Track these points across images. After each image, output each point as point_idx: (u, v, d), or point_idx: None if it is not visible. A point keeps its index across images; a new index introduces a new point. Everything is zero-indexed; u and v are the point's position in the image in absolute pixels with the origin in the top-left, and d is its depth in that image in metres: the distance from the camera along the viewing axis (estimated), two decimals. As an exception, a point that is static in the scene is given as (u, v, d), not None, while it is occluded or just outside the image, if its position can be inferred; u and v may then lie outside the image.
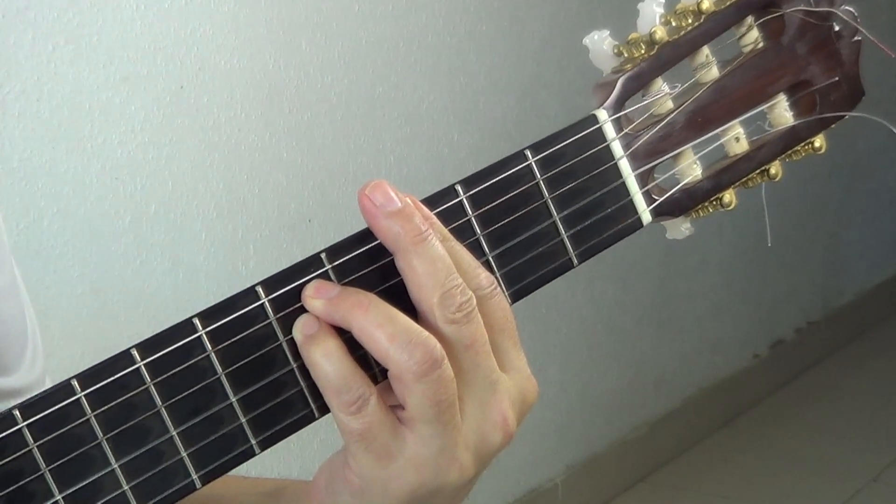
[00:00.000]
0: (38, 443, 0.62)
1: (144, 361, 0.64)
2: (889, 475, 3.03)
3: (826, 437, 3.24)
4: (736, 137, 0.76)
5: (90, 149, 1.87)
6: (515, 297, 0.71)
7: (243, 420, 0.66)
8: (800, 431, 3.28)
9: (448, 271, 0.65)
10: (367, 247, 0.68)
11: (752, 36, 0.76)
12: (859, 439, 3.21)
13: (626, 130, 0.73)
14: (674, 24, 0.74)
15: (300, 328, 0.66)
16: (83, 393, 0.63)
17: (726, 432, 3.30)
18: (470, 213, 0.70)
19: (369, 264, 0.68)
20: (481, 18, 2.54)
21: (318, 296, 0.66)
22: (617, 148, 0.73)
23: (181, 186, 2.00)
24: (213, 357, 0.65)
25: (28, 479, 0.62)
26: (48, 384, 0.88)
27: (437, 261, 0.65)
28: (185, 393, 0.65)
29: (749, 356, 3.52)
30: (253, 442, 0.67)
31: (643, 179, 0.74)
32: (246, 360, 0.66)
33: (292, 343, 0.67)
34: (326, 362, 0.65)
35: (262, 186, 2.14)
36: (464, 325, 0.65)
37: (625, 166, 0.73)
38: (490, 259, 0.71)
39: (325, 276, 0.67)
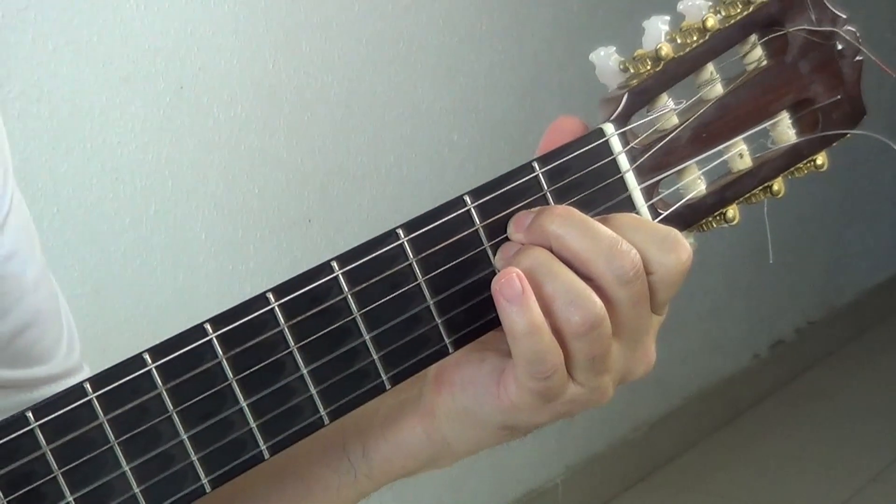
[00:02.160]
0: (50, 445, 0.63)
1: (155, 365, 0.65)
2: (889, 475, 3.03)
3: (826, 437, 3.24)
4: (740, 154, 0.77)
5: (90, 149, 1.87)
6: None
7: (253, 425, 0.67)
8: (800, 431, 3.28)
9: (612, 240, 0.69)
10: (377, 253, 0.69)
11: (755, 54, 0.76)
12: (859, 439, 3.21)
13: (632, 144, 0.74)
14: (679, 41, 0.74)
15: (504, 287, 0.68)
16: (94, 395, 0.63)
17: (726, 432, 3.30)
18: (478, 223, 0.71)
19: (381, 271, 0.69)
20: (481, 18, 2.54)
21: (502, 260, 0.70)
22: (623, 161, 0.74)
23: (181, 186, 2.00)
24: (224, 362, 0.66)
25: (40, 482, 0.63)
26: (87, 371, 0.89)
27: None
28: (197, 398, 0.66)
29: (749, 356, 3.52)
30: (263, 447, 0.67)
31: (648, 193, 0.75)
32: (256, 366, 0.67)
33: (302, 349, 0.67)
34: (527, 338, 0.67)
35: (262, 186, 2.14)
36: (633, 285, 0.69)
37: (631, 180, 0.74)
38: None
39: (334, 282, 0.68)
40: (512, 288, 0.67)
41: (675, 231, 0.71)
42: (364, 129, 2.32)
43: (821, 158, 0.79)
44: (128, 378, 0.64)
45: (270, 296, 0.67)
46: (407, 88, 2.40)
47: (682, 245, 0.71)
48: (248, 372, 0.66)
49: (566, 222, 0.69)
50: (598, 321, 0.67)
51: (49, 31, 1.80)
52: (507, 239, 0.71)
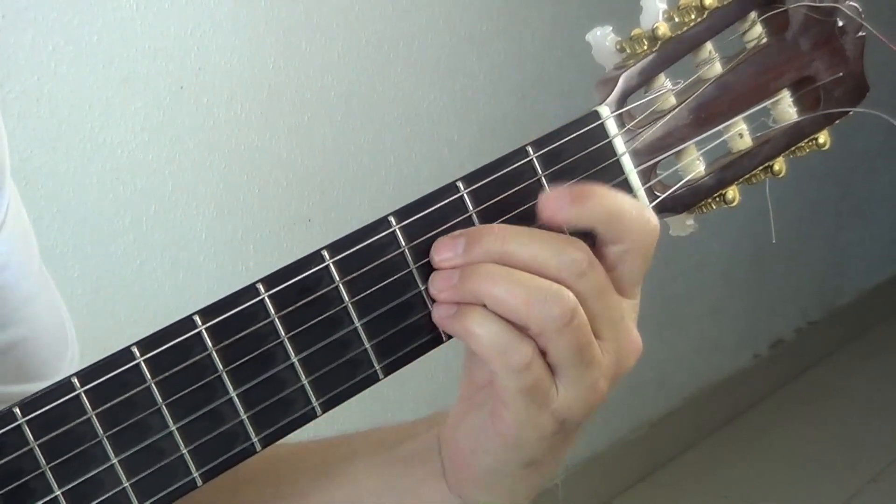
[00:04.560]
0: (38, 440, 0.62)
1: (144, 358, 0.64)
2: (889, 475, 3.03)
3: (826, 437, 3.24)
4: (739, 134, 0.75)
5: (90, 149, 1.87)
6: None
7: (244, 417, 0.66)
8: (800, 431, 3.28)
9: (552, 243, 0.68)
10: (369, 241, 0.68)
11: (755, 32, 0.75)
12: (859, 439, 3.21)
13: (628, 126, 0.73)
14: (676, 19, 0.73)
15: (441, 310, 0.68)
16: (82, 389, 0.63)
17: (726, 432, 3.30)
18: (471, 209, 0.70)
19: (373, 259, 0.68)
20: (481, 18, 2.54)
21: (443, 284, 0.68)
22: (619, 144, 0.73)
23: (181, 186, 2.00)
24: (214, 354, 0.65)
25: (28, 477, 0.62)
26: None
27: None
28: (186, 390, 0.65)
29: (749, 356, 3.52)
30: (254, 439, 0.67)
31: (646, 175, 0.73)
32: (246, 357, 0.66)
33: (292, 339, 0.67)
34: (483, 330, 0.67)
35: (262, 186, 2.14)
36: (589, 275, 0.68)
37: (627, 162, 0.73)
38: None
39: (325, 271, 0.67)
40: (447, 309, 0.67)
41: (637, 203, 0.70)
42: (364, 129, 2.32)
43: (823, 137, 0.77)
44: (116, 372, 0.63)
45: (260, 286, 0.66)
46: (407, 88, 2.40)
47: (648, 216, 0.70)
48: (238, 363, 0.65)
49: (505, 237, 0.68)
50: (575, 306, 0.66)
51: (49, 31, 1.80)
52: (506, 223, 0.70)
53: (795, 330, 3.70)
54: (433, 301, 0.69)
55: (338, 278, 0.67)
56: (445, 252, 0.68)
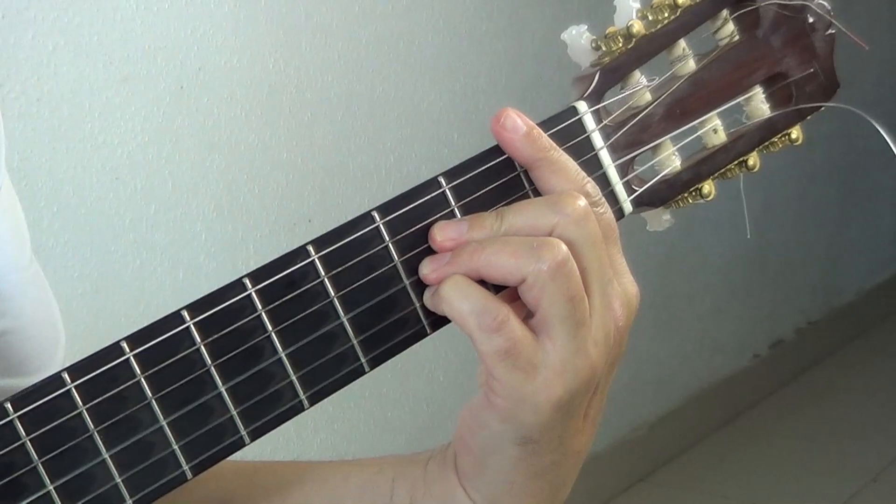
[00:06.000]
0: (29, 435, 0.63)
1: (133, 353, 0.65)
2: (889, 475, 3.03)
3: (826, 437, 3.24)
4: (714, 129, 0.76)
5: (90, 149, 1.87)
6: None
7: (233, 411, 0.67)
8: (800, 431, 3.28)
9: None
10: (353, 236, 0.69)
11: (727, 29, 0.76)
12: (859, 439, 3.21)
13: (605, 122, 0.74)
14: (650, 17, 0.75)
15: (427, 294, 0.69)
16: (73, 384, 0.64)
17: (726, 432, 3.30)
18: (453, 203, 0.71)
19: (357, 254, 0.69)
20: (481, 18, 2.55)
21: (436, 264, 0.69)
22: (597, 139, 0.74)
23: (181, 186, 2.01)
24: (202, 348, 0.66)
25: (20, 472, 0.63)
26: None
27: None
28: (175, 384, 0.66)
29: (749, 356, 3.52)
30: (243, 432, 0.67)
31: (623, 170, 0.74)
32: (235, 352, 0.67)
33: (280, 334, 0.67)
34: (455, 293, 0.67)
35: (262, 186, 2.14)
36: (602, 212, 0.69)
37: (605, 157, 0.74)
38: None
39: (311, 266, 0.68)
40: (436, 287, 0.68)
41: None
42: (364, 129, 2.32)
43: (795, 132, 0.78)
44: (106, 367, 0.64)
45: (247, 281, 0.67)
46: (407, 88, 2.40)
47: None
48: (226, 358, 0.66)
49: (503, 213, 0.69)
50: (567, 254, 0.67)
51: (49, 31, 1.80)
52: None
53: (795, 330, 3.70)
54: (422, 288, 0.70)
55: (323, 273, 0.68)
56: (450, 232, 0.69)
